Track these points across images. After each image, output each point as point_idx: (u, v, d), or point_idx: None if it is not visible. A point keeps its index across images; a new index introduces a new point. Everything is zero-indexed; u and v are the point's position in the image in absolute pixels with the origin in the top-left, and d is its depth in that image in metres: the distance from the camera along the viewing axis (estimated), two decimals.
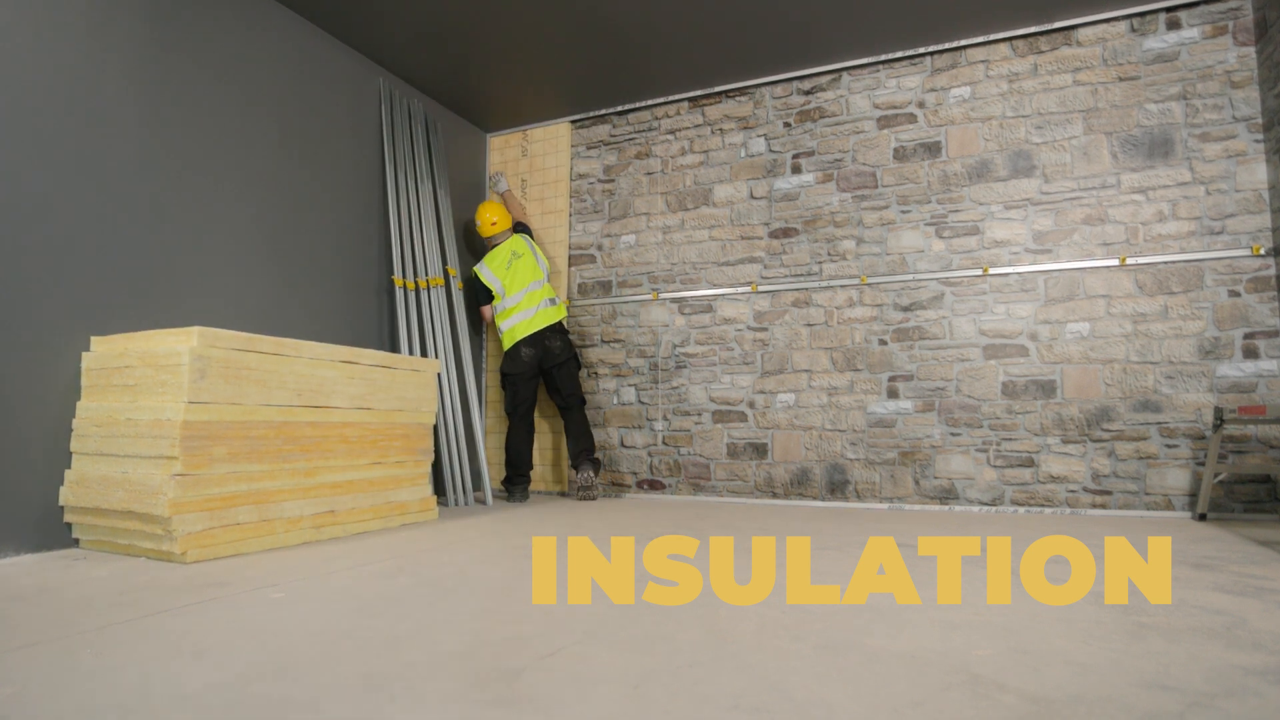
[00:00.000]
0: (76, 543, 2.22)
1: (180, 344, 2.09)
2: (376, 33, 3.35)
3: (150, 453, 2.03)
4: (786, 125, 3.77)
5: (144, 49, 2.53)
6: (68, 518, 2.20)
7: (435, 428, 3.50)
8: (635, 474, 3.96)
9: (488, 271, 3.80)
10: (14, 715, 0.93)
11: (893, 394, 3.44)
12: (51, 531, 2.18)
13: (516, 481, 3.71)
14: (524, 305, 3.75)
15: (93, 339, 2.28)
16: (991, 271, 3.30)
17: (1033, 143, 3.30)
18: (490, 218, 3.89)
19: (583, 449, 3.70)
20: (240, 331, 2.67)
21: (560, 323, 3.78)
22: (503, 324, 3.77)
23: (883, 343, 3.48)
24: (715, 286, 3.86)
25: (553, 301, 3.80)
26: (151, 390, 2.09)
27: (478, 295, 3.85)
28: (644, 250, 4.05)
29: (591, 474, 3.66)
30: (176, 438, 2.00)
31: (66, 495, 2.17)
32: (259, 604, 1.51)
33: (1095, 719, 0.89)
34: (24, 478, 2.12)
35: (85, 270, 2.31)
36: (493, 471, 4.30)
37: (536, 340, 3.69)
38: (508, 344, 3.73)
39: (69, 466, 2.22)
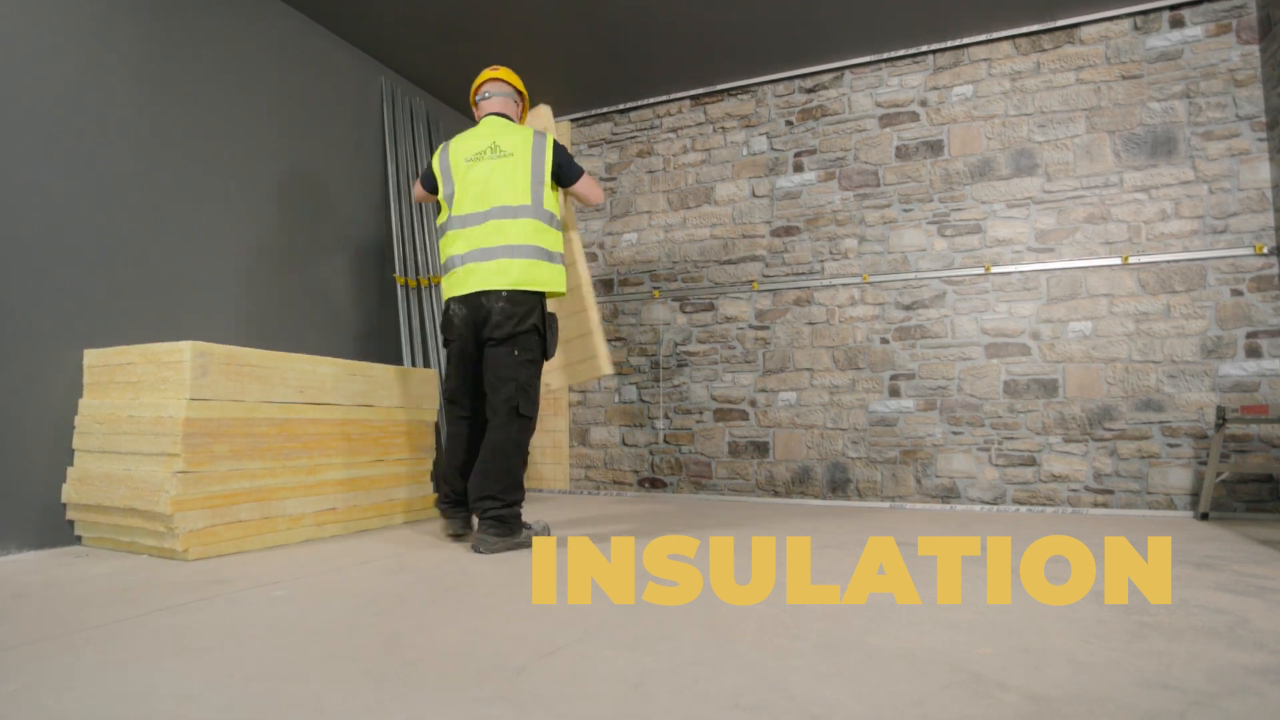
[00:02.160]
0: (79, 540, 2.23)
1: (181, 343, 2.09)
2: (378, 30, 3.35)
3: (152, 450, 2.03)
4: (788, 123, 3.77)
5: (145, 48, 2.53)
6: (70, 515, 2.20)
7: (437, 425, 3.51)
8: (636, 472, 3.96)
9: (445, 156, 2.35)
10: (17, 712, 0.93)
11: (894, 393, 3.44)
12: (54, 529, 2.18)
13: (442, 503, 2.37)
14: (471, 239, 2.25)
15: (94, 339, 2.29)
16: (993, 270, 3.29)
17: (1035, 141, 3.29)
18: (507, 77, 2.45)
19: (485, 495, 2.13)
20: (236, 344, 2.68)
21: (530, 293, 2.23)
22: (442, 257, 2.37)
23: (884, 341, 3.48)
24: (717, 285, 3.85)
25: (542, 255, 2.23)
26: (153, 387, 2.09)
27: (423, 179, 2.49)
28: (646, 248, 4.04)
29: (490, 537, 2.10)
30: (178, 435, 2.00)
31: (69, 492, 2.17)
32: (261, 601, 1.52)
33: (1096, 718, 0.89)
34: (26, 475, 2.13)
35: (86, 269, 2.31)
36: None
37: (472, 300, 2.23)
38: (444, 294, 2.36)
39: (71, 464, 2.22)
